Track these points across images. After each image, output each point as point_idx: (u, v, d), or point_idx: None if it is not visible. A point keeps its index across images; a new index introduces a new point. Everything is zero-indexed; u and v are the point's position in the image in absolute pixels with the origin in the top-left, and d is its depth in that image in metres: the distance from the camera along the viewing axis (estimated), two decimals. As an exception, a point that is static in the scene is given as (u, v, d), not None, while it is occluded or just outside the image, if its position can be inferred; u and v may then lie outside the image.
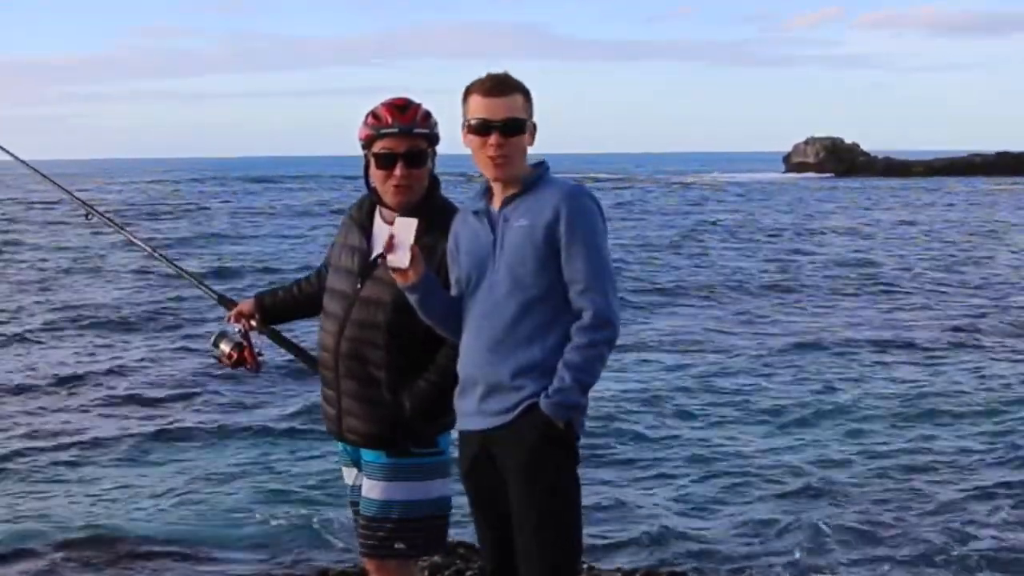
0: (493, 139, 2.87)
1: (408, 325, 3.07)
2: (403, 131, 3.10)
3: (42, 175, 4.25)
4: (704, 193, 47.78)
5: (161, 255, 4.02)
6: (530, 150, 2.97)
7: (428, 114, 3.16)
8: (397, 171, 3.11)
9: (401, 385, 3.11)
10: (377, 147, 3.12)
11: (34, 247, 21.94)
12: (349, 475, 3.36)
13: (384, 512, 3.15)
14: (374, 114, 3.14)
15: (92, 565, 5.22)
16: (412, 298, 2.94)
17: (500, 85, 2.90)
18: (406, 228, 2.84)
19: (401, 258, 2.83)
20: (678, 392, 9.13)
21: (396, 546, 3.14)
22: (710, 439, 7.57)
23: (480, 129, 2.89)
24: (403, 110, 3.12)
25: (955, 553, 5.43)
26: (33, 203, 34.47)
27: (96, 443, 7.52)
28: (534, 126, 2.97)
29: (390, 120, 3.10)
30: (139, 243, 4.08)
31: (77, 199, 4.18)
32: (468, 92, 2.92)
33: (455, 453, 3.06)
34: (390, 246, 2.84)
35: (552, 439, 2.81)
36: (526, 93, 2.94)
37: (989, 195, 43.74)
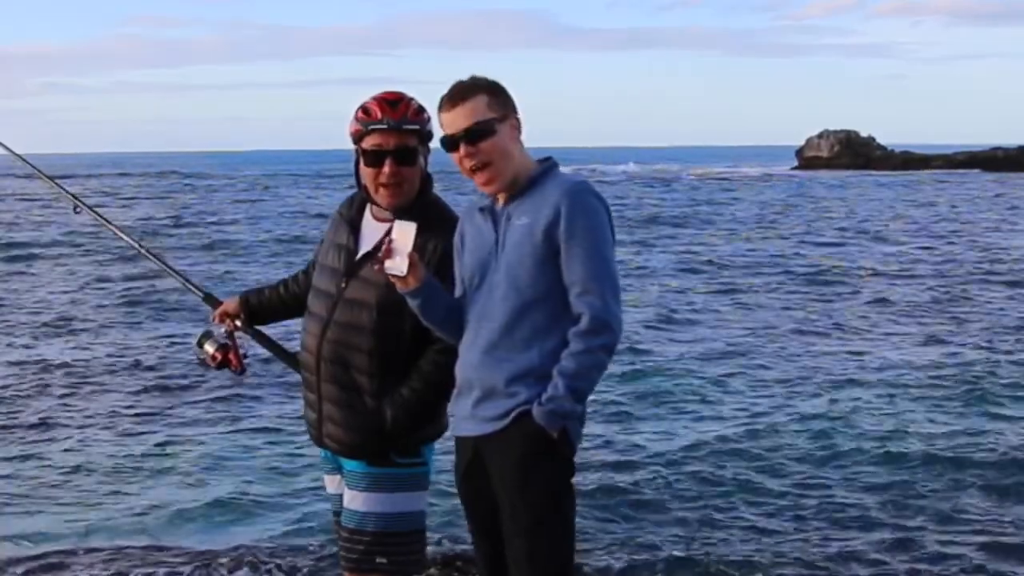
0: (462, 150, 2.78)
1: (394, 328, 2.98)
2: (392, 127, 2.99)
3: (36, 169, 4.20)
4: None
5: (147, 250, 3.94)
6: (534, 144, 2.86)
7: (420, 109, 3.05)
8: (386, 168, 3.00)
9: (384, 392, 3.00)
10: (366, 143, 3.02)
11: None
12: (331, 483, 3.26)
13: (365, 524, 3.05)
14: (364, 108, 3.03)
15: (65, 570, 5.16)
16: (413, 303, 2.85)
17: (457, 94, 2.81)
18: (404, 233, 2.74)
19: (399, 264, 2.74)
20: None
21: (377, 560, 3.03)
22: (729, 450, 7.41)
23: (448, 145, 2.82)
24: (393, 105, 3.01)
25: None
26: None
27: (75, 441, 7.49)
28: (517, 120, 2.85)
29: (379, 115, 3.00)
30: (125, 238, 3.98)
31: (66, 192, 4.11)
32: (437, 111, 2.85)
33: (442, 463, 2.96)
34: (388, 252, 2.74)
35: (545, 448, 2.71)
36: (492, 90, 2.82)
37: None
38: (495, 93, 2.82)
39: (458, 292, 2.89)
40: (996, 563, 5.24)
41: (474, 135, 2.77)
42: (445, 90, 2.86)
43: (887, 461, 6.93)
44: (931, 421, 7.90)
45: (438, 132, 3.04)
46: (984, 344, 10.94)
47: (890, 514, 5.96)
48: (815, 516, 5.92)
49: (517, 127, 2.85)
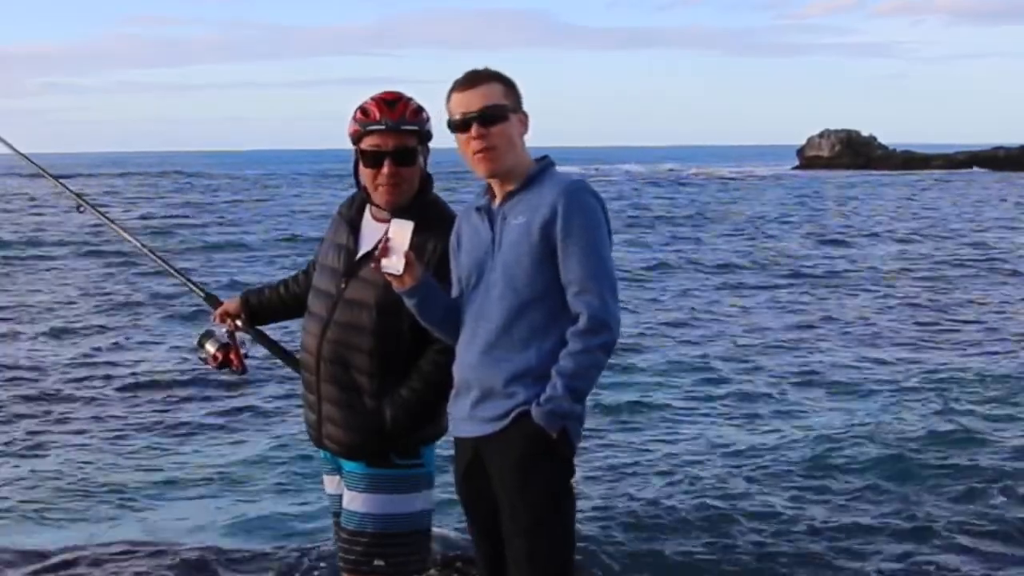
0: (474, 131, 2.78)
1: (394, 328, 2.97)
2: (390, 128, 2.99)
3: (38, 167, 4.21)
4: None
5: (149, 250, 3.95)
6: (534, 143, 2.87)
7: (419, 109, 3.05)
8: (384, 169, 3.00)
9: (384, 392, 3.00)
10: (364, 144, 3.02)
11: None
12: (330, 483, 3.25)
13: (364, 525, 3.04)
14: (362, 109, 3.04)
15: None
16: (410, 302, 2.84)
17: (473, 78, 2.83)
18: (401, 231, 2.74)
19: (396, 263, 2.74)
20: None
21: (375, 563, 3.03)
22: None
23: (460, 125, 2.81)
24: (392, 105, 3.01)
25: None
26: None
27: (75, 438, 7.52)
28: (525, 115, 2.87)
29: (378, 115, 3.00)
30: (128, 237, 3.99)
31: (69, 191, 4.12)
32: (448, 94, 2.85)
33: (441, 464, 2.96)
34: (385, 250, 2.74)
35: (544, 449, 2.70)
36: (506, 82, 2.85)
37: None
38: (509, 86, 2.85)
39: (454, 292, 2.89)
40: (1005, 568, 5.22)
41: (488, 117, 2.77)
42: (448, 87, 2.87)
43: (897, 466, 6.84)
44: (939, 425, 7.79)
45: (439, 132, 3.06)
46: (996, 348, 10.88)
47: (899, 519, 5.88)
48: (820, 522, 5.85)
49: (524, 123, 2.87)
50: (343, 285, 3.06)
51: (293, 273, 3.51)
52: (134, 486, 6.56)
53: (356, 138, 3.04)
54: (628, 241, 21.75)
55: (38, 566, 5.17)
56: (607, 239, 2.78)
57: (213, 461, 7.07)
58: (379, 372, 2.99)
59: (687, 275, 17.21)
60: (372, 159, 3.01)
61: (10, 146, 4.20)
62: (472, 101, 2.78)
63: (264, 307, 3.44)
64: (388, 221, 2.87)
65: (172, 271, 3.81)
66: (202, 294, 3.66)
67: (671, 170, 73.71)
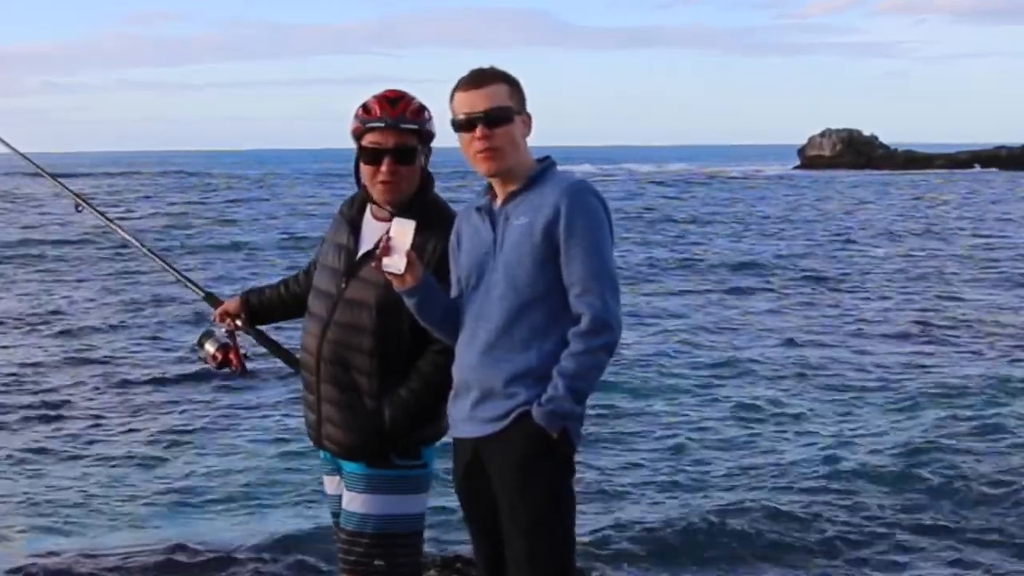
0: (478, 131, 2.77)
1: (394, 328, 2.96)
2: (390, 125, 2.98)
3: (36, 166, 4.21)
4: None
5: (148, 249, 3.93)
6: (532, 145, 2.85)
7: (421, 109, 3.04)
8: (383, 167, 3.00)
9: (384, 392, 2.99)
10: (365, 141, 3.02)
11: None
12: (330, 484, 3.24)
13: (364, 526, 3.03)
14: (364, 106, 3.04)
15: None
16: (409, 302, 2.84)
17: (479, 77, 2.81)
18: (403, 230, 2.73)
19: (397, 262, 2.73)
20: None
21: (375, 563, 3.01)
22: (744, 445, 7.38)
23: (464, 124, 2.79)
24: (393, 103, 3.01)
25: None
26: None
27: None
28: (528, 116, 2.86)
29: (379, 113, 3.00)
30: (127, 236, 3.98)
31: (68, 190, 4.11)
32: (452, 92, 2.84)
33: (441, 465, 2.95)
34: (386, 249, 2.73)
35: (545, 449, 2.69)
36: (511, 83, 2.83)
37: None
38: (515, 86, 2.84)
39: (454, 292, 2.88)
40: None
41: (493, 119, 2.76)
42: (448, 87, 2.86)
43: (901, 468, 6.81)
44: (943, 428, 7.77)
45: (440, 132, 3.04)
46: (1002, 350, 10.82)
47: (902, 522, 5.88)
48: (822, 524, 5.86)
49: (528, 124, 2.86)
50: (343, 285, 3.05)
51: (294, 273, 3.50)
52: (133, 487, 6.56)
53: (357, 135, 3.03)
54: (632, 241, 21.75)
55: (38, 567, 5.16)
56: (609, 239, 2.78)
57: (212, 462, 7.07)
58: (379, 372, 2.98)
59: (690, 275, 17.20)
60: (371, 156, 3.01)
61: (9, 146, 4.20)
62: (477, 101, 2.77)
63: (264, 307, 3.43)
64: (389, 220, 2.87)
65: (172, 271, 3.80)
66: (202, 294, 3.65)
67: (674, 170, 73.76)
